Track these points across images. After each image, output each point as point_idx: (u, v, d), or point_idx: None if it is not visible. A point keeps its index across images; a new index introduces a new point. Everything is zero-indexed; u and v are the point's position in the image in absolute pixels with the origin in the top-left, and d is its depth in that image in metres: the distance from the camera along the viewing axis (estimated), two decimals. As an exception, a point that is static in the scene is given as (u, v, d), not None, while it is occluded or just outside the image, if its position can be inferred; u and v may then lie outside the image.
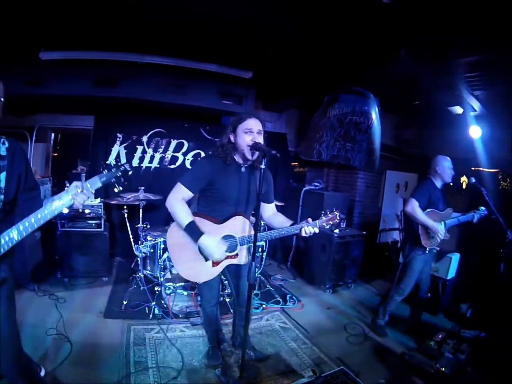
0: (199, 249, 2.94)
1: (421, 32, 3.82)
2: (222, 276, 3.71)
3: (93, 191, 2.12)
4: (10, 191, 2.09)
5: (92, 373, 3.14)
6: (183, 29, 4.31)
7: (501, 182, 6.21)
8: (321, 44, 4.44)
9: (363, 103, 6.30)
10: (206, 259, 2.97)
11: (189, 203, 2.96)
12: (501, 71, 4.47)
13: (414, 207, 4.04)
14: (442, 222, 4.16)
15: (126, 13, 3.91)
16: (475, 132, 5.72)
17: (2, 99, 2.08)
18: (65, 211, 2.08)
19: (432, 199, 4.17)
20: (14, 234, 1.95)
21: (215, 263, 2.99)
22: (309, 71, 5.52)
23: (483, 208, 4.29)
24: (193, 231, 2.82)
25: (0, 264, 2.05)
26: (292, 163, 8.23)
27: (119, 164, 2.24)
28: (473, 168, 6.14)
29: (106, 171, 2.20)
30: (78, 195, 2.02)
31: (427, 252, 4.21)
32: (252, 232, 2.93)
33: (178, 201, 2.87)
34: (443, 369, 3.46)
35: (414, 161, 8.09)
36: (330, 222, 3.00)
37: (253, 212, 3.25)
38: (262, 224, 3.41)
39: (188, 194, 2.91)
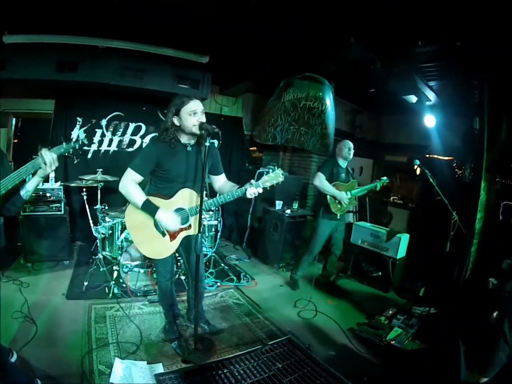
0: (155, 226, 3.17)
1: (370, 22, 3.97)
2: (176, 254, 3.92)
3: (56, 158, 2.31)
4: None
5: (57, 351, 3.26)
6: (142, 14, 4.35)
7: (456, 169, 6.46)
8: (275, 30, 4.54)
9: (317, 89, 6.48)
10: (163, 235, 3.20)
11: (142, 186, 3.18)
12: (454, 62, 4.66)
13: (321, 179, 4.79)
14: (348, 192, 4.89)
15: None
16: (430, 120, 5.94)
17: None
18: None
19: (334, 173, 4.96)
20: None
21: (173, 237, 3.23)
22: (264, 56, 5.63)
23: (384, 178, 5.07)
24: (149, 208, 3.05)
25: None
26: (250, 148, 8.39)
27: (77, 138, 2.47)
28: (427, 156, 6.43)
29: (65, 143, 2.42)
30: (47, 154, 2.19)
31: (337, 219, 4.91)
32: (196, 201, 3.20)
33: (130, 184, 3.08)
34: (392, 342, 3.72)
35: (368, 146, 8.40)
36: (274, 181, 3.15)
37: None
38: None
39: (138, 177, 3.11)
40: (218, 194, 3.38)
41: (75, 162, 4.17)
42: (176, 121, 3.10)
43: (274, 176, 3.14)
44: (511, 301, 2.15)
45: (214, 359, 3.31)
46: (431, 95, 5.84)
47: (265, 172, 3.21)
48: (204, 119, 3.08)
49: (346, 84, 6.70)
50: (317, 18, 3.97)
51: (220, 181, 3.56)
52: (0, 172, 2.31)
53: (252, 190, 3.08)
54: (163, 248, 3.27)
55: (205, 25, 4.62)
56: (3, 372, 2.45)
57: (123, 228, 4.90)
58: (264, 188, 3.12)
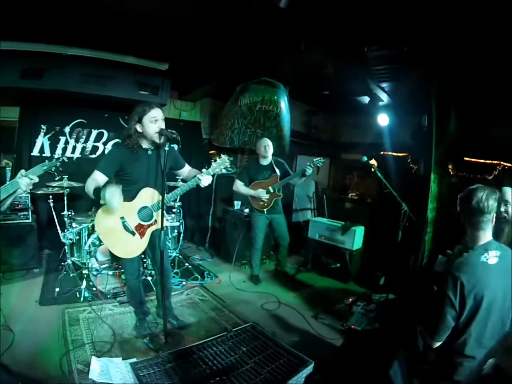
0: (124, 228, 3.42)
1: (320, 30, 4.20)
2: (142, 254, 4.07)
3: (37, 177, 2.50)
4: None
5: (36, 355, 3.38)
6: (103, 23, 4.49)
7: (411, 165, 6.81)
8: (229, 37, 4.78)
9: (272, 93, 6.77)
10: (133, 234, 3.45)
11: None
12: (404, 65, 4.89)
13: (236, 185, 5.53)
14: (270, 187, 5.37)
15: (52, 5, 4.03)
16: (383, 119, 6.21)
17: None
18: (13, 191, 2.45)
19: (253, 174, 5.53)
20: None
21: (142, 234, 3.49)
22: (220, 61, 5.83)
23: (318, 158, 5.27)
24: (100, 192, 3.19)
25: None
26: (210, 151, 8.57)
27: (59, 156, 2.68)
28: (382, 153, 6.75)
29: (47, 161, 2.62)
30: (22, 179, 2.38)
31: (264, 213, 5.47)
32: (158, 197, 3.48)
33: (89, 180, 3.33)
34: (353, 326, 4.01)
35: (324, 146, 8.71)
36: (221, 166, 3.49)
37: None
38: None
39: (103, 177, 3.34)
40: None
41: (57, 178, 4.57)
42: (138, 128, 3.35)
43: (221, 162, 3.48)
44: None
45: (184, 347, 3.54)
46: (384, 96, 6.13)
47: (212, 160, 3.51)
48: (163, 126, 3.34)
49: (301, 87, 6.96)
50: (270, 21, 4.09)
51: (186, 172, 3.86)
52: None
53: (205, 178, 3.42)
54: (135, 247, 3.51)
55: (164, 33, 4.80)
56: None
57: (90, 233, 5.05)
58: (215, 175, 3.50)
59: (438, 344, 2.40)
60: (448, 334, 2.35)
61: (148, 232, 3.54)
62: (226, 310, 4.65)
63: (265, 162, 5.48)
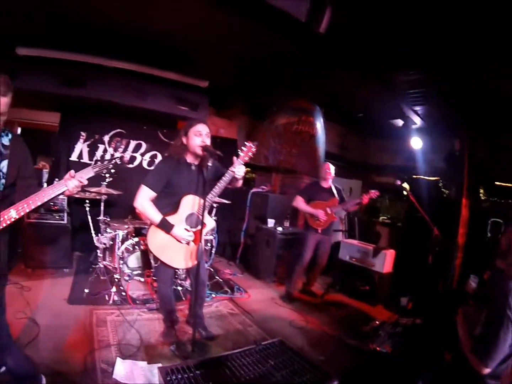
0: (177, 239, 3.44)
1: (359, 57, 4.26)
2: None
3: (86, 179, 2.45)
4: (11, 176, 2.39)
5: (59, 350, 3.40)
6: (149, 41, 4.71)
7: (443, 189, 6.65)
8: (268, 60, 4.93)
9: (308, 113, 6.79)
10: (188, 243, 3.47)
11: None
12: (437, 88, 4.91)
13: (297, 201, 5.52)
14: (328, 208, 5.35)
15: (99, 23, 4.27)
16: (416, 143, 6.19)
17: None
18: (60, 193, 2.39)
19: (313, 194, 5.54)
20: (12, 212, 2.26)
21: (195, 240, 3.49)
22: (257, 82, 5.97)
23: (374, 191, 5.29)
24: (165, 226, 3.32)
25: None
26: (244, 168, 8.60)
27: (111, 157, 2.67)
28: (414, 176, 6.66)
29: (99, 162, 2.60)
30: (71, 180, 2.39)
31: (319, 232, 5.36)
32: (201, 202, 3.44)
33: (146, 201, 3.35)
34: (378, 348, 3.85)
35: (357, 168, 8.65)
36: (249, 154, 3.46)
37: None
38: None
39: (152, 194, 3.37)
40: None
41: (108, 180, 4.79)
42: (184, 140, 3.43)
43: (247, 150, 3.45)
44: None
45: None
46: (417, 119, 6.08)
47: (239, 151, 3.48)
48: (208, 142, 3.38)
49: (335, 109, 6.95)
50: (307, 46, 4.22)
51: None
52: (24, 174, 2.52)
53: (237, 170, 3.37)
54: (189, 254, 3.53)
55: (205, 52, 4.97)
56: (11, 358, 2.60)
57: (124, 239, 5.07)
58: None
59: (489, 370, 2.26)
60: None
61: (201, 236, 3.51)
62: (254, 324, 4.58)
63: (325, 184, 5.53)
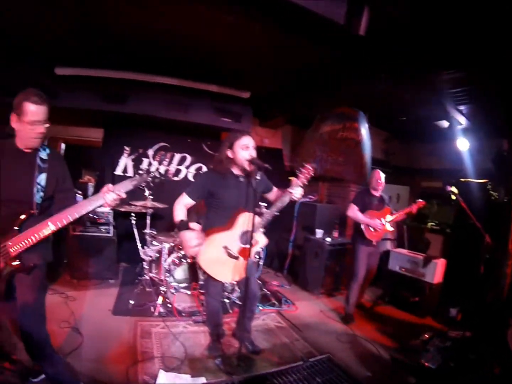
0: (229, 255, 3.39)
1: (399, 58, 4.12)
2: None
3: (124, 193, 2.48)
4: (49, 189, 2.49)
5: (102, 360, 3.43)
6: (186, 54, 4.72)
7: (491, 192, 6.39)
8: (309, 68, 4.86)
9: (352, 120, 6.62)
10: (237, 259, 3.41)
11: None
12: (482, 86, 4.68)
13: (354, 210, 5.06)
14: (382, 219, 4.99)
15: (140, 41, 4.36)
16: (462, 144, 5.98)
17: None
18: (98, 206, 2.44)
19: (366, 203, 5.14)
20: (50, 225, 2.32)
21: (246, 256, 3.40)
22: (299, 90, 5.88)
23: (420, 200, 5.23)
24: (182, 226, 3.25)
25: (34, 251, 2.39)
26: (290, 178, 8.53)
27: (149, 170, 2.69)
28: (462, 179, 6.39)
29: (137, 176, 2.62)
30: (109, 194, 2.41)
31: (373, 244, 5.03)
32: (258, 219, 3.39)
33: (178, 205, 3.36)
34: (427, 364, 3.67)
35: (403, 173, 8.40)
36: (307, 176, 3.41)
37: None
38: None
39: (189, 201, 3.37)
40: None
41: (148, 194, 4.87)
42: (229, 153, 3.36)
43: (306, 172, 3.41)
44: None
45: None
46: (462, 119, 5.83)
47: (297, 172, 3.45)
48: (254, 154, 3.31)
49: (379, 113, 6.81)
50: (345, 53, 4.18)
51: (274, 193, 3.77)
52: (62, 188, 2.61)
53: (295, 192, 3.36)
54: (240, 269, 3.45)
55: (246, 63, 4.94)
56: (51, 366, 2.64)
57: (170, 251, 5.09)
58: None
59: None
60: None
61: (251, 253, 3.46)
62: (301, 338, 4.45)
63: (375, 193, 5.23)
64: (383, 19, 3.35)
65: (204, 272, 3.53)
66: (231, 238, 3.39)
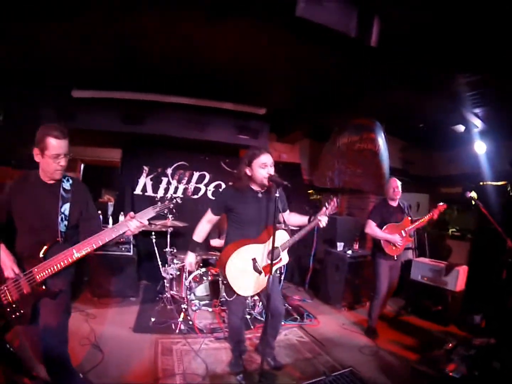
0: (254, 269, 3.42)
1: (413, 66, 4.14)
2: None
3: (147, 220, 2.58)
4: (73, 218, 2.61)
5: (122, 378, 3.46)
6: (202, 73, 4.81)
7: (511, 193, 6.29)
8: (324, 81, 4.89)
9: (369, 130, 6.64)
10: (260, 273, 3.44)
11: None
12: (497, 88, 4.66)
13: (372, 227, 4.83)
14: (402, 231, 4.82)
15: (153, 60, 4.46)
16: (480, 147, 5.95)
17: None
18: (121, 234, 2.55)
19: (385, 216, 4.93)
20: (74, 253, 2.42)
21: (267, 272, 3.40)
22: (316, 104, 5.92)
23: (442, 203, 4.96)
24: (192, 245, 3.58)
25: (59, 277, 2.49)
26: (308, 191, 8.55)
27: (172, 197, 2.78)
28: (481, 183, 6.28)
29: (159, 203, 2.72)
30: (132, 221, 2.48)
31: (394, 259, 4.87)
32: (287, 237, 3.55)
33: (203, 221, 3.58)
34: (451, 373, 3.56)
35: (422, 181, 8.31)
36: (333, 208, 3.61)
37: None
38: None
39: (213, 217, 3.55)
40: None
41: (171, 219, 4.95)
42: (248, 171, 3.40)
43: (332, 204, 3.59)
44: None
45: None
46: (478, 122, 5.79)
47: (325, 205, 3.62)
48: (273, 172, 3.34)
49: (396, 122, 6.81)
50: (360, 65, 4.22)
51: (285, 215, 3.83)
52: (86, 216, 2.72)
53: (324, 219, 3.55)
54: (260, 284, 3.48)
55: (261, 80, 5.03)
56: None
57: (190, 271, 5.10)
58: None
59: None
60: None
61: (273, 269, 3.44)
62: (323, 353, 4.39)
63: (393, 203, 5.05)
64: (395, 27, 3.38)
65: (226, 289, 3.53)
66: (260, 252, 3.44)
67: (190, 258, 3.72)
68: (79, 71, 4.84)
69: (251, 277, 3.41)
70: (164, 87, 5.43)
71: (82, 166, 7.02)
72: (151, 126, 5.84)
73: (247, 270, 3.40)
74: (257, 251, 3.44)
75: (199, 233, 3.59)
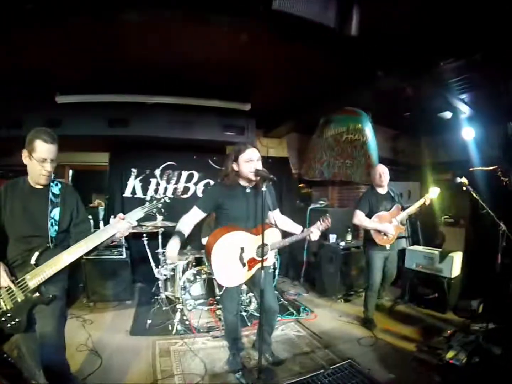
0: (239, 259, 3.37)
1: (396, 54, 4.10)
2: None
3: (136, 221, 2.58)
4: (63, 223, 2.60)
5: (122, 381, 3.46)
6: (185, 72, 4.75)
7: (502, 178, 6.24)
8: (309, 75, 4.85)
9: (356, 121, 6.64)
10: (244, 265, 3.38)
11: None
12: (481, 72, 4.57)
13: (359, 217, 4.75)
14: (394, 219, 4.73)
15: (135, 61, 4.38)
16: (468, 133, 5.90)
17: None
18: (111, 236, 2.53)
19: (373, 204, 4.84)
20: (65, 257, 2.41)
21: (250, 267, 3.40)
22: (302, 99, 5.89)
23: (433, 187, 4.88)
24: (174, 235, 3.34)
25: (52, 283, 2.47)
26: (299, 185, 8.54)
27: (160, 196, 2.76)
28: (471, 169, 6.30)
29: (148, 203, 2.71)
30: (120, 222, 2.46)
31: (387, 249, 4.78)
32: (279, 238, 3.56)
33: (185, 217, 3.46)
34: (451, 361, 3.58)
35: (412, 169, 8.32)
36: (326, 226, 3.70)
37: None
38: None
39: (200, 213, 3.42)
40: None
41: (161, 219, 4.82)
42: (235, 166, 3.38)
43: (326, 222, 3.69)
44: None
45: (277, 385, 3.37)
46: (465, 108, 5.75)
47: (320, 220, 3.72)
48: (259, 166, 3.31)
49: (382, 111, 6.76)
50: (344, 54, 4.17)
51: (275, 215, 3.74)
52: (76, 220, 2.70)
53: (316, 233, 3.69)
54: (240, 277, 3.42)
55: (244, 75, 4.98)
56: None
57: (184, 269, 5.13)
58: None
59: None
60: None
61: (256, 267, 3.45)
62: (321, 346, 4.39)
63: (382, 191, 4.92)
64: (376, 16, 3.34)
65: (219, 286, 3.59)
66: (250, 244, 3.40)
67: (169, 247, 3.30)
68: (61, 77, 4.78)
69: (232, 266, 3.35)
70: (147, 88, 5.36)
71: (71, 172, 6.96)
72: (137, 128, 5.76)
73: (232, 257, 3.34)
74: (246, 241, 3.39)
75: (182, 224, 3.41)
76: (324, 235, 6.49)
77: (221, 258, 3.29)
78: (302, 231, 3.72)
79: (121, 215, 2.54)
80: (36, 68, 4.42)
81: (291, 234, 3.73)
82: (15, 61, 4.23)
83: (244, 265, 3.38)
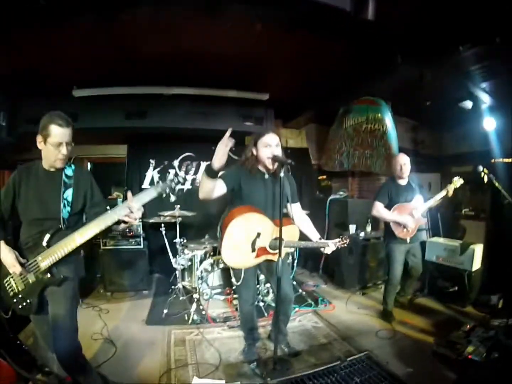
0: (252, 244, 3.28)
1: (413, 40, 4.03)
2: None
3: (147, 200, 2.56)
4: (76, 204, 2.61)
5: (136, 369, 3.48)
6: (201, 63, 4.73)
7: None
8: (329, 65, 4.80)
9: (375, 111, 6.50)
10: (253, 251, 3.30)
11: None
12: (501, 59, 4.42)
13: (379, 209, 4.62)
14: (414, 211, 4.57)
15: (152, 53, 4.37)
16: (489, 123, 5.73)
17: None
18: (124, 216, 2.47)
19: (393, 196, 4.66)
20: (76, 238, 2.41)
21: (258, 256, 3.32)
22: (321, 88, 5.84)
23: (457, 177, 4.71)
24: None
25: (64, 264, 2.49)
26: (319, 177, 8.47)
27: (174, 176, 2.71)
28: (493, 161, 6.14)
29: (161, 182, 2.69)
30: (133, 200, 2.45)
31: (407, 242, 4.63)
32: (297, 237, 3.49)
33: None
34: (470, 356, 3.51)
35: (433, 161, 8.16)
36: (344, 243, 3.59)
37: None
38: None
39: (223, 185, 3.13)
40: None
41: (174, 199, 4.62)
42: (254, 151, 3.35)
43: (345, 240, 3.60)
44: None
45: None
46: (486, 97, 5.59)
47: (340, 236, 3.65)
48: (278, 152, 3.25)
49: (403, 101, 6.67)
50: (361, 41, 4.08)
51: (295, 210, 3.63)
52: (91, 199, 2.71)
53: (331, 247, 3.58)
54: (246, 261, 3.34)
55: (265, 67, 4.96)
56: (83, 376, 2.69)
57: (202, 259, 5.15)
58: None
59: None
60: None
61: (263, 257, 3.39)
62: (339, 338, 4.34)
63: (402, 182, 4.78)
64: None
65: (236, 276, 3.53)
66: (266, 233, 3.32)
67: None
68: (78, 71, 4.80)
69: (242, 248, 3.26)
70: (164, 80, 5.36)
71: (89, 165, 7.02)
72: (155, 120, 5.78)
73: (246, 239, 3.25)
74: (264, 228, 3.30)
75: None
76: (344, 225, 6.46)
77: (236, 234, 3.21)
78: (320, 239, 3.67)
79: (129, 193, 2.50)
80: (54, 63, 4.47)
81: (305, 235, 3.68)
82: (38, 58, 4.30)
83: (253, 250, 3.30)
